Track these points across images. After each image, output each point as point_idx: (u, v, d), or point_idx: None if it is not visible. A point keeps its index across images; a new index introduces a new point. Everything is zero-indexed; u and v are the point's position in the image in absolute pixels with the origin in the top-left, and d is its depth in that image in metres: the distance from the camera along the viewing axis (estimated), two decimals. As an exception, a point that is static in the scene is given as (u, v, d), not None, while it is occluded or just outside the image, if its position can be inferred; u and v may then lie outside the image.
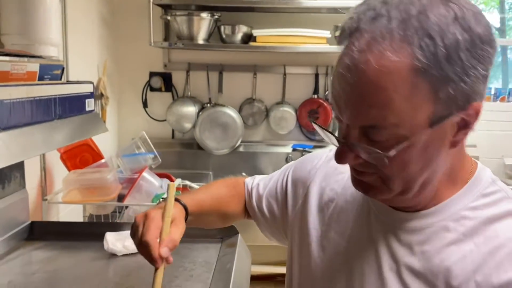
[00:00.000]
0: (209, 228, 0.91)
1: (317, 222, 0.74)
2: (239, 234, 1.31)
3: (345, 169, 0.73)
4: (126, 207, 1.82)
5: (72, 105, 1.10)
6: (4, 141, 0.83)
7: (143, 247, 0.67)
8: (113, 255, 1.20)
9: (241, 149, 2.78)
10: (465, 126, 0.57)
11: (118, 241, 1.21)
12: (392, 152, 0.54)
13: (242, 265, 1.16)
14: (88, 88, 1.19)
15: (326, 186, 0.76)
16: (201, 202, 0.83)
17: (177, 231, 0.70)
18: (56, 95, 1.02)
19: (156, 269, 0.68)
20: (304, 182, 0.80)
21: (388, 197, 0.61)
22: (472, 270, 0.57)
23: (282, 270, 2.74)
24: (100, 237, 1.24)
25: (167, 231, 0.69)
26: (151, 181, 1.86)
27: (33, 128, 0.93)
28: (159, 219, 0.69)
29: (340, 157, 0.59)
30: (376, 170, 0.58)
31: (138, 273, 1.13)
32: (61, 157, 1.87)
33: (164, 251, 0.66)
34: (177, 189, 2.03)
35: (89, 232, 1.31)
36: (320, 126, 0.62)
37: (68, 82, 1.10)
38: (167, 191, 0.74)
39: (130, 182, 1.89)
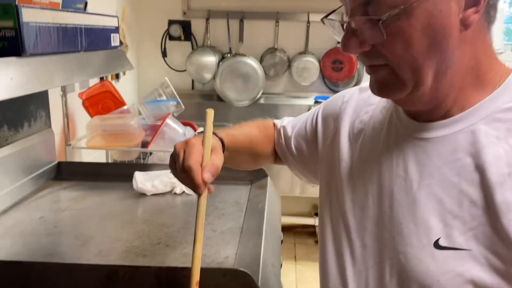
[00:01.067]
0: (238, 168, 0.89)
1: (348, 155, 0.71)
2: (268, 177, 1.28)
3: (375, 100, 0.71)
4: (150, 153, 1.80)
5: (97, 38, 1.05)
6: (32, 67, 0.79)
7: (185, 172, 0.64)
8: (142, 195, 1.18)
9: (261, 101, 2.72)
10: (473, 2, 0.53)
11: (147, 181, 1.18)
12: (385, 16, 0.52)
13: (273, 207, 1.14)
14: (113, 22, 1.13)
15: (356, 119, 0.73)
16: (235, 139, 0.80)
17: (218, 158, 0.67)
18: (82, 24, 0.97)
19: (199, 196, 0.65)
20: (335, 117, 0.76)
21: (403, 93, 0.57)
22: (508, 172, 0.53)
23: (301, 221, 2.76)
24: (128, 178, 1.22)
25: (208, 157, 0.66)
26: (174, 128, 1.82)
27: (61, 57, 0.89)
28: (200, 145, 0.66)
29: (345, 45, 0.57)
30: (385, 59, 0.56)
31: (169, 211, 1.12)
32: (83, 104, 1.84)
33: (207, 176, 0.63)
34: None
35: (117, 173, 1.29)
36: (325, 17, 0.60)
37: (93, 13, 1.05)
38: (206, 118, 0.70)
39: (153, 129, 1.86)
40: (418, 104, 0.60)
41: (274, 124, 0.90)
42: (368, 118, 0.71)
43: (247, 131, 0.85)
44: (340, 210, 0.69)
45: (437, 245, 0.55)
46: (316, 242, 2.90)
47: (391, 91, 0.59)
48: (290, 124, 0.86)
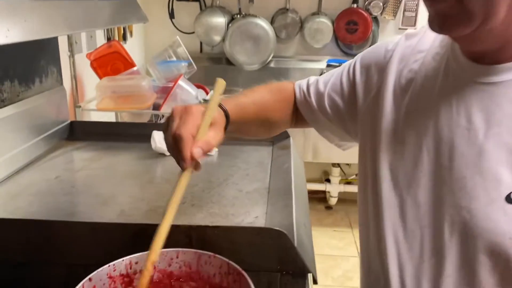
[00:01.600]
0: (249, 138, 0.82)
1: (396, 107, 0.64)
2: (291, 138, 1.22)
3: (425, 46, 0.65)
4: (162, 116, 1.74)
5: (111, -14, 0.98)
6: (46, 12, 0.73)
7: (174, 141, 0.57)
8: (160, 155, 1.13)
9: (272, 64, 2.64)
10: None
11: (165, 141, 1.13)
12: None
13: (298, 168, 1.09)
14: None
15: (404, 68, 0.66)
16: (244, 109, 0.73)
17: (215, 136, 0.60)
18: (95, -30, 0.89)
19: (182, 170, 0.59)
20: (379, 68, 0.69)
21: (468, 28, 0.50)
22: None
23: (312, 187, 2.72)
24: (143, 138, 1.17)
25: (205, 131, 0.58)
26: (187, 89, 1.76)
27: (75, 3, 0.82)
28: (199, 116, 0.59)
29: None
30: None
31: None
32: (92, 65, 1.77)
33: (197, 151, 0.56)
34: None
35: (132, 133, 1.23)
36: None
37: (107, -42, 0.97)
38: (214, 88, 0.64)
39: (164, 92, 1.79)
40: (485, 42, 0.53)
41: (296, 85, 0.82)
42: (418, 66, 0.64)
43: (259, 98, 0.78)
44: (387, 168, 0.63)
45: (509, 199, 0.50)
46: (327, 208, 2.88)
47: (455, 25, 0.51)
48: (321, 81, 0.79)
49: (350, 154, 2.69)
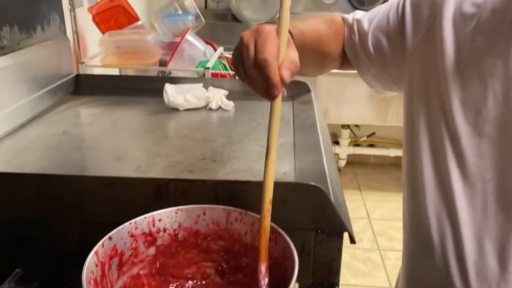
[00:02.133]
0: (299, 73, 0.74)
1: (454, 46, 0.56)
2: (312, 92, 1.15)
3: None
4: (170, 73, 1.65)
5: None
6: None
7: (258, 68, 0.49)
8: (173, 110, 1.06)
9: (281, 21, 2.52)
10: None
11: (179, 95, 1.05)
12: None
13: (322, 123, 1.01)
14: None
15: (463, 1, 0.57)
16: (303, 34, 0.65)
17: (295, 53, 0.52)
18: None
19: (273, 99, 0.52)
20: (432, 2, 0.60)
21: None
22: None
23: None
24: (153, 93, 1.09)
25: (285, 51, 0.50)
26: (195, 44, 1.66)
27: None
28: (275, 35, 0.51)
29: None
30: None
31: (208, 127, 1.00)
32: (94, 19, 1.67)
33: (286, 74, 0.49)
34: (220, 57, 1.84)
35: (142, 87, 1.16)
36: None
37: None
38: (281, 1, 0.55)
39: (171, 47, 1.69)
40: None
41: (344, 19, 0.74)
42: None
43: (315, 26, 0.70)
44: (442, 116, 0.56)
45: None
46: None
47: None
48: (366, 17, 0.70)
49: (360, 115, 2.61)
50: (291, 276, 0.52)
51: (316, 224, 0.65)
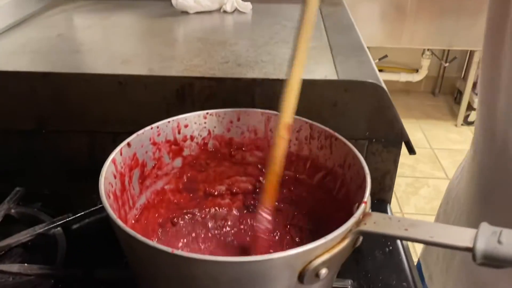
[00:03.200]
0: None
1: None
2: None
3: None
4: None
5: None
6: None
7: None
8: (183, 13, 0.92)
9: None
10: None
11: (189, -6, 0.90)
12: None
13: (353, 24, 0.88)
14: None
15: None
16: None
17: None
18: None
19: None
20: None
21: None
22: None
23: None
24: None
25: None
26: None
27: None
28: None
29: None
30: None
31: (224, 30, 0.87)
32: None
33: None
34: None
35: (144, -11, 1.00)
36: None
37: None
38: None
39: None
40: None
41: None
42: None
43: None
44: None
45: None
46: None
47: None
48: None
49: (371, 36, 2.44)
50: (353, 187, 0.43)
51: (371, 131, 0.55)
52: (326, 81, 0.53)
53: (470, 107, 2.61)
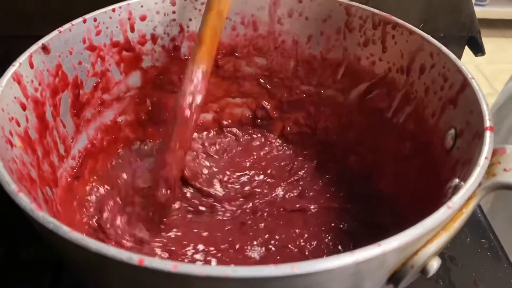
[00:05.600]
0: None
1: None
2: None
3: None
4: None
5: None
6: None
7: None
8: None
9: None
10: None
11: None
12: None
13: None
14: None
15: None
16: None
17: None
18: None
19: None
20: None
21: None
22: None
23: None
24: None
25: None
26: None
27: None
28: None
29: None
30: None
31: None
32: None
33: None
34: None
35: None
36: None
37: None
38: None
39: None
40: None
41: None
42: None
43: None
44: None
45: None
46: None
47: None
48: None
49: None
50: (433, 102, 0.26)
51: (427, 21, 0.37)
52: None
53: None
